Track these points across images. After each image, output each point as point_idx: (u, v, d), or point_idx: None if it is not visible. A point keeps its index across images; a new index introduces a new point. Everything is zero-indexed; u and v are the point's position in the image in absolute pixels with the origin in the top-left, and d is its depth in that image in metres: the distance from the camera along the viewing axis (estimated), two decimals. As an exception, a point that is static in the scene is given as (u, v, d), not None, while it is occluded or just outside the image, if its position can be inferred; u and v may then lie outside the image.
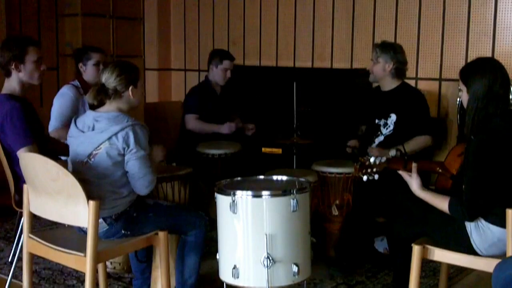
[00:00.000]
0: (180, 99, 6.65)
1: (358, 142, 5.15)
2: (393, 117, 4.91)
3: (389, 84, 4.99)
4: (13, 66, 4.29)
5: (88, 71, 5.18)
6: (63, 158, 4.54)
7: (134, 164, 3.63)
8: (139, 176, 3.66)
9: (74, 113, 4.84)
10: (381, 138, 4.97)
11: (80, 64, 5.21)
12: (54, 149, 4.47)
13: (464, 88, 3.49)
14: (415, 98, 4.96)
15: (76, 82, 5.20)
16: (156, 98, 8.21)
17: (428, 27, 6.02)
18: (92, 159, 3.62)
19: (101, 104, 3.79)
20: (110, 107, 3.74)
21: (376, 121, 5.01)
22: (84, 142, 3.65)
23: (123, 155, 3.61)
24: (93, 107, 3.89)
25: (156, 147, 4.02)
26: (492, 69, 3.45)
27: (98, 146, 3.59)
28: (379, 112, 5.01)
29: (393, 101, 4.95)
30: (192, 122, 5.95)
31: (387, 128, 4.93)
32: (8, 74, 4.33)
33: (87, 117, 3.72)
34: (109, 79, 3.71)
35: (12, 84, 4.33)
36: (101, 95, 3.72)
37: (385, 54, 4.90)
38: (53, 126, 4.96)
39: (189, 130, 5.95)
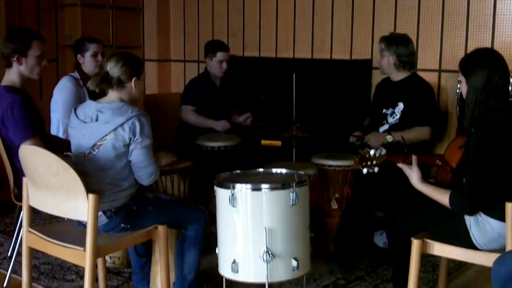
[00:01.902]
0: (180, 90, 6.64)
1: (362, 132, 5.17)
2: (400, 105, 4.94)
3: (397, 75, 5.05)
4: (15, 59, 4.28)
5: (87, 62, 5.18)
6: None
7: (139, 153, 3.66)
8: (143, 164, 3.69)
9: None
10: (386, 126, 5.00)
11: (79, 56, 5.22)
12: (54, 144, 4.47)
13: (463, 79, 3.49)
14: (423, 88, 4.99)
15: (76, 74, 5.20)
16: (155, 90, 8.19)
17: (427, 19, 6.00)
18: (96, 150, 3.63)
19: (102, 93, 3.80)
20: (112, 97, 3.76)
21: (384, 110, 5.04)
22: (87, 133, 3.65)
23: (128, 145, 3.62)
24: (93, 97, 3.89)
25: (165, 154, 4.09)
26: (491, 60, 3.45)
27: (103, 137, 3.60)
28: (387, 101, 5.05)
29: (402, 90, 4.99)
30: (188, 114, 5.93)
31: (393, 117, 4.96)
32: (9, 65, 4.32)
33: (89, 108, 3.72)
34: (113, 68, 3.72)
35: (12, 76, 4.32)
36: (104, 84, 3.73)
37: (388, 48, 4.97)
38: (64, 123, 4.92)
39: (184, 121, 5.94)
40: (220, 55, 5.94)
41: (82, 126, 3.69)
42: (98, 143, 3.62)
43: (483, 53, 3.58)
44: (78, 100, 4.98)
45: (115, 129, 3.58)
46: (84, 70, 5.20)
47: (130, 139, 3.61)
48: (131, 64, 3.78)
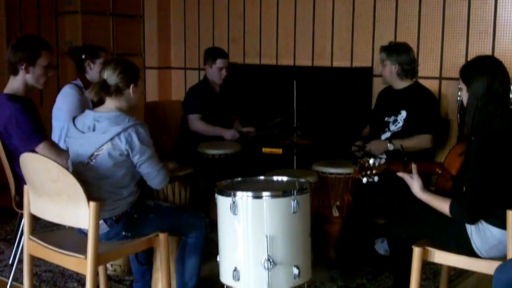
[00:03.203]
0: (180, 98, 6.64)
1: (363, 142, 5.17)
2: (403, 113, 4.94)
3: (400, 84, 5.03)
4: (23, 67, 4.26)
5: (96, 70, 5.13)
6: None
7: (146, 165, 3.68)
8: (154, 174, 3.73)
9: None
10: (388, 134, 4.99)
11: (88, 62, 5.16)
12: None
13: (464, 87, 3.49)
14: (426, 97, 5.00)
15: (78, 82, 5.16)
16: (156, 97, 8.19)
17: (428, 26, 6.01)
18: (94, 160, 3.62)
19: (101, 102, 3.80)
20: (110, 106, 3.74)
21: (386, 118, 5.03)
22: (85, 143, 3.64)
23: (127, 155, 3.62)
24: (94, 106, 3.89)
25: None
26: (491, 67, 3.45)
27: (100, 147, 3.59)
28: (390, 109, 5.04)
29: (405, 98, 4.99)
30: (196, 122, 5.92)
31: (396, 125, 4.96)
32: (15, 72, 4.30)
33: (87, 118, 3.71)
34: (111, 76, 3.71)
35: (16, 83, 4.30)
36: (102, 93, 3.72)
37: (389, 58, 4.96)
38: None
39: (192, 130, 5.93)
40: (219, 62, 5.95)
41: (79, 136, 3.68)
42: (95, 153, 3.61)
43: (484, 60, 3.58)
44: (83, 107, 4.96)
45: (111, 139, 3.58)
46: (89, 77, 5.15)
47: (127, 150, 3.60)
48: (129, 71, 3.78)
